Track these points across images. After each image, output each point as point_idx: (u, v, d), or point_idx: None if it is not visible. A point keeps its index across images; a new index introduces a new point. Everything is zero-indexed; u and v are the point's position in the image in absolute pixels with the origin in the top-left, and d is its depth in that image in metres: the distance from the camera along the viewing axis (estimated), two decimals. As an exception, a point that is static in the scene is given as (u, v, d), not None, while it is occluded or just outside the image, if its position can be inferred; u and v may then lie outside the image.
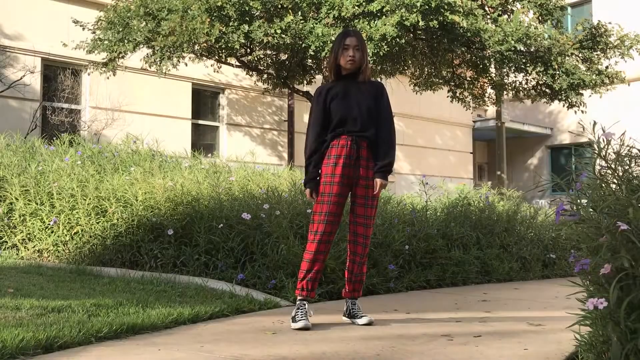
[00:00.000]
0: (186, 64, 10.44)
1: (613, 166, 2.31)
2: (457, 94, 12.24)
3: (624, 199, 2.20)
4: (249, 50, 10.47)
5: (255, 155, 12.43)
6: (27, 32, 10.87)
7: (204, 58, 10.32)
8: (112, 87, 11.30)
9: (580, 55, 10.67)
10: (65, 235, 5.70)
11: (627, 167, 2.30)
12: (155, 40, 8.99)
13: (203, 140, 13.23)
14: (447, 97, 12.54)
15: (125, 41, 9.30)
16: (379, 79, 11.95)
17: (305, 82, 11.51)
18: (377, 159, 3.69)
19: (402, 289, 5.55)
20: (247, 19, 8.89)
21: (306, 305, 3.62)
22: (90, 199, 5.77)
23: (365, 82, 3.77)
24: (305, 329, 3.46)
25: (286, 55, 10.71)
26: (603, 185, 2.33)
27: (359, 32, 3.86)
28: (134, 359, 2.71)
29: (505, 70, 11.28)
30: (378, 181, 3.65)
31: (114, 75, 10.21)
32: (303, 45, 8.99)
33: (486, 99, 13.02)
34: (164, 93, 12.32)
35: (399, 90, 15.08)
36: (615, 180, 2.32)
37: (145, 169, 6.69)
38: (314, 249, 3.62)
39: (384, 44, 8.64)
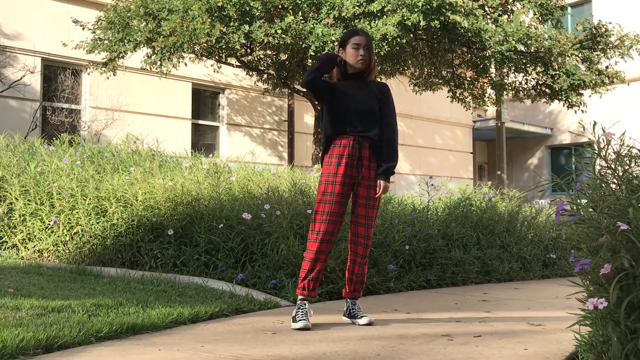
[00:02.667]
0: (186, 64, 10.44)
1: (613, 166, 2.31)
2: (457, 94, 12.24)
3: (624, 199, 2.20)
4: (249, 50, 10.47)
5: (256, 155, 12.44)
6: (27, 32, 10.87)
7: (204, 58, 10.33)
8: (112, 87, 11.30)
9: (580, 55, 10.67)
10: (65, 235, 5.70)
11: (627, 167, 2.30)
12: (155, 41, 8.99)
13: (203, 140, 13.23)
14: (447, 97, 12.54)
15: (125, 41, 9.30)
16: (379, 79, 11.97)
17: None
18: (380, 161, 3.69)
19: (402, 289, 5.55)
20: (248, 19, 8.89)
21: (307, 305, 3.61)
22: (90, 199, 5.77)
23: (371, 83, 3.78)
24: (305, 329, 3.46)
25: (286, 56, 10.71)
26: (603, 185, 2.33)
27: (367, 32, 3.85)
28: (134, 359, 2.71)
29: (505, 70, 11.28)
30: (381, 183, 3.65)
31: (114, 75, 10.21)
32: (303, 45, 8.99)
33: (486, 99, 13.03)
34: (164, 93, 12.32)
35: (399, 90, 15.06)
36: (615, 180, 2.32)
37: (145, 169, 6.68)
38: (316, 248, 3.60)
39: (384, 44, 8.64)
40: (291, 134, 14.11)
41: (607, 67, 10.90)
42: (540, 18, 10.25)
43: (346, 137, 3.67)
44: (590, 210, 2.29)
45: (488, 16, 9.82)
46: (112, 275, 4.91)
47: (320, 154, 3.81)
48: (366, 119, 3.67)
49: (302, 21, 8.86)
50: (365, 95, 3.71)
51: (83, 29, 10.07)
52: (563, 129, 19.76)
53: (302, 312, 3.56)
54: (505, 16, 10.19)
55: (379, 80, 11.85)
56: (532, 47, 9.87)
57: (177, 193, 5.76)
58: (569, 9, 16.19)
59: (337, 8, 8.82)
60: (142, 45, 9.42)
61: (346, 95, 3.71)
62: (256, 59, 11.00)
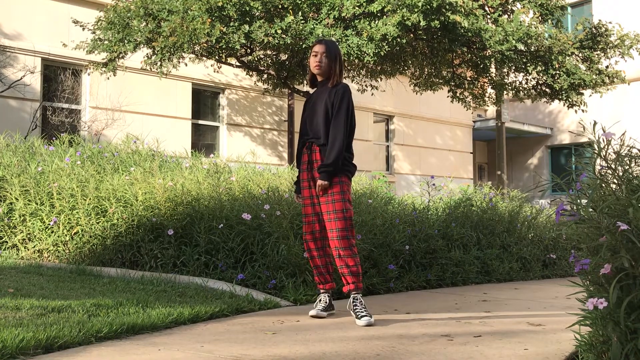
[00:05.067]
0: (186, 64, 10.43)
1: (613, 166, 2.31)
2: (457, 94, 12.24)
3: (624, 199, 2.20)
4: (249, 50, 10.47)
5: (256, 156, 12.44)
6: (27, 32, 10.87)
7: (204, 58, 10.33)
8: (112, 87, 11.30)
9: (580, 54, 10.67)
10: (65, 235, 5.70)
11: (627, 167, 2.30)
12: (155, 41, 8.99)
13: (203, 140, 13.23)
14: (447, 97, 12.54)
15: (125, 41, 9.29)
16: (379, 79, 11.97)
17: (305, 82, 11.51)
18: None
19: (402, 289, 5.55)
20: (248, 19, 8.89)
21: (325, 296, 4.01)
22: (90, 199, 5.77)
23: (332, 88, 3.99)
24: (316, 317, 3.89)
25: (286, 56, 10.71)
26: (603, 185, 2.32)
27: (332, 42, 4.09)
28: (134, 359, 2.71)
29: (505, 70, 11.28)
30: (318, 182, 3.88)
31: (114, 75, 10.21)
32: (303, 45, 8.99)
33: (486, 99, 13.03)
34: (164, 93, 12.33)
35: (399, 90, 15.08)
36: (615, 180, 2.32)
37: (145, 169, 6.68)
38: (305, 247, 4.06)
39: (384, 44, 8.64)
40: (291, 134, 14.11)
41: (607, 67, 10.90)
42: (540, 18, 10.25)
43: (306, 144, 4.04)
44: (590, 210, 2.29)
45: (488, 16, 9.82)
46: (112, 275, 4.91)
47: None
48: (316, 127, 3.98)
49: (302, 21, 8.86)
50: (321, 103, 3.98)
51: (83, 29, 10.07)
52: (563, 129, 19.76)
53: (320, 302, 4.00)
54: (505, 16, 10.19)
55: (377, 80, 11.90)
56: (532, 46, 9.86)
57: (177, 193, 5.76)
58: (569, 8, 16.18)
59: (337, 8, 8.82)
60: (142, 45, 9.41)
61: (307, 108, 4.08)
62: (256, 59, 11.00)
